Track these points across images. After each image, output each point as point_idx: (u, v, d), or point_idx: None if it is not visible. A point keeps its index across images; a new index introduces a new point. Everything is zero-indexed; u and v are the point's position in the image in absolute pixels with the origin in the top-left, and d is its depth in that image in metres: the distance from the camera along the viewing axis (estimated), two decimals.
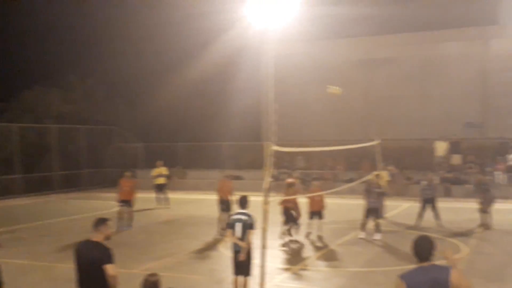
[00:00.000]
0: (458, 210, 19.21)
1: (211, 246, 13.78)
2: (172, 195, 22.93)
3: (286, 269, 11.24)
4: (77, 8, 34.09)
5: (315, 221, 14.32)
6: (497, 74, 27.32)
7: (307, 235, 14.26)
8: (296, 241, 13.83)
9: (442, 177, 24.08)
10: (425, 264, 4.62)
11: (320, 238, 14.23)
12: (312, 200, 14.22)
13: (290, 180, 15.32)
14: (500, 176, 23.25)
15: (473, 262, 11.45)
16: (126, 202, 16.29)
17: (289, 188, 14.08)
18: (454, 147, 24.98)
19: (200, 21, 29.81)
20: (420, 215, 15.88)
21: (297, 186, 15.25)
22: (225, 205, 15.43)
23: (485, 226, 15.46)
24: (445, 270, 4.56)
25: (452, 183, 23.91)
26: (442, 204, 17.19)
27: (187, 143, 31.06)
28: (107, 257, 6.08)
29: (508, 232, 15.00)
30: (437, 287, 4.47)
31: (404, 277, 4.60)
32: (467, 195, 22.85)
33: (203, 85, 32.16)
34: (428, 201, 15.88)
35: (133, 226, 16.37)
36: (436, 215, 15.83)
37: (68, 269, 10.19)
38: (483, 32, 27.79)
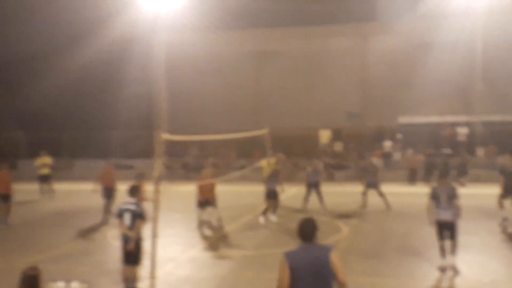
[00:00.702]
0: (340, 193, 20.53)
1: (99, 237, 13.46)
2: (57, 186, 21.90)
3: (178, 257, 11.32)
4: None
5: (208, 209, 14.50)
6: (375, 67, 29.45)
7: (200, 224, 14.37)
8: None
9: (326, 163, 25.55)
10: (308, 244, 4.93)
11: (211, 225, 14.46)
12: (203, 188, 14.33)
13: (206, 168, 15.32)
14: (377, 162, 25.20)
15: (353, 241, 12.35)
16: (4, 196, 15.08)
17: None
18: (337, 135, 26.67)
19: (88, 4, 28.49)
20: (306, 198, 16.79)
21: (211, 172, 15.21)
22: (108, 193, 15.56)
23: (363, 206, 16.71)
24: (326, 249, 4.92)
25: (335, 169, 25.50)
26: (326, 188, 18.26)
27: (74, 132, 29.71)
28: None
29: (384, 212, 16.31)
30: (318, 264, 4.77)
31: (287, 255, 4.87)
32: (348, 179, 24.54)
33: (91, 71, 30.79)
34: (313, 186, 16.83)
35: (9, 223, 15.03)
36: (320, 198, 16.83)
37: None
38: (363, 29, 29.74)
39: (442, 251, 9.62)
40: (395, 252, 11.38)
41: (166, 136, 10.20)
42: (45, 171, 20.79)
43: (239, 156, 27.72)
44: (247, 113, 30.17)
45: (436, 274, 9.60)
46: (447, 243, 9.61)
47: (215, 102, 30.57)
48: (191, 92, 30.61)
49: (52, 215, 17.00)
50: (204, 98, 30.79)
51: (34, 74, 31.69)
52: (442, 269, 9.60)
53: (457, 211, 9.46)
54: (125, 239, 8.66)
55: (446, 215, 9.44)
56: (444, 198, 9.42)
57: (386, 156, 25.48)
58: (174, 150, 27.05)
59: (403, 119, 27.17)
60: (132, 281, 8.75)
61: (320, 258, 4.81)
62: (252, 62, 31.05)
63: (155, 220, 9.77)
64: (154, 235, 9.75)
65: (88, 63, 29.68)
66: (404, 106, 27.52)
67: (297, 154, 26.34)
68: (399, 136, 25.74)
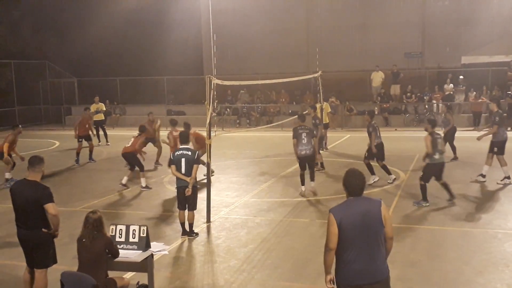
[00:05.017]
0: (396, 138, 19.78)
1: (155, 182, 13.60)
2: (111, 132, 22.31)
3: (232, 202, 11.28)
4: None
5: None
6: (435, 3, 27.60)
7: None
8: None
9: (381, 107, 24.60)
10: (356, 197, 4.68)
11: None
12: None
13: None
14: (437, 105, 24.07)
15: (410, 187, 11.90)
16: (86, 137, 17.07)
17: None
18: (394, 78, 25.31)
19: None
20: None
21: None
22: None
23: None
24: (376, 202, 4.69)
25: (390, 113, 24.53)
26: (382, 133, 17.52)
27: (125, 78, 29.85)
28: (47, 196, 5.98)
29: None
30: (368, 218, 4.55)
31: (334, 210, 4.62)
32: (405, 125, 23.69)
33: (139, 15, 30.44)
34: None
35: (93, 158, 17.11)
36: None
37: (6, 209, 9.78)
38: None
39: None
40: (455, 199, 10.87)
41: (217, 81, 9.94)
42: (99, 116, 21.06)
43: (290, 101, 27.17)
44: (298, 56, 29.25)
45: (496, 222, 9.17)
46: None
47: (263, 45, 29.74)
48: (238, 36, 29.86)
49: (108, 161, 17.34)
50: (252, 41, 30.00)
51: (82, 20, 31.75)
52: None
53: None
54: (181, 185, 8.72)
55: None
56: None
57: (448, 99, 24.19)
58: (223, 96, 26.80)
59: (466, 59, 25.38)
60: (189, 225, 8.89)
61: (370, 211, 4.58)
62: (301, 1, 29.80)
63: (208, 166, 9.70)
64: (208, 181, 9.73)
65: (135, 6, 29.35)
66: (467, 45, 25.75)
67: (351, 98, 25.49)
68: (461, 77, 24.28)
